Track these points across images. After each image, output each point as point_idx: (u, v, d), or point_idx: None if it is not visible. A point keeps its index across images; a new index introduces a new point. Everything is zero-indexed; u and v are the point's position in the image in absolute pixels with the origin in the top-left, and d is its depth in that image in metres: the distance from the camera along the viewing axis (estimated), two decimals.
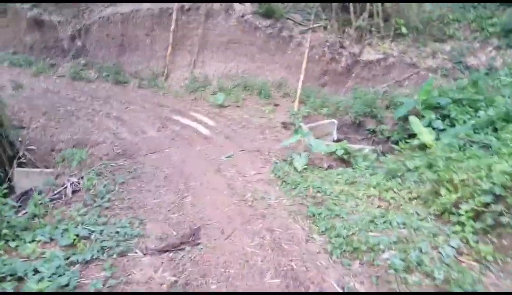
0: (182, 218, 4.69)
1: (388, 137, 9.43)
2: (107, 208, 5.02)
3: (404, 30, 12.09)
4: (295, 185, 5.59)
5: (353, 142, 9.78)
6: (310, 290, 3.16)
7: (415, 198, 4.71)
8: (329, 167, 7.11)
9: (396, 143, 9.24)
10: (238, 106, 11.39)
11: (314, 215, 4.51)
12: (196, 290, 3.19)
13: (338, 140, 9.44)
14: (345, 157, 7.29)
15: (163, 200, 5.31)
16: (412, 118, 7.80)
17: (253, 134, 8.80)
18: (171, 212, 4.90)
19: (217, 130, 9.16)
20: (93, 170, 6.48)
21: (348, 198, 4.92)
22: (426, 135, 6.76)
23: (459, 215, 3.82)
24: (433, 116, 8.74)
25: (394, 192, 4.91)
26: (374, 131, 9.71)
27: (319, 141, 6.88)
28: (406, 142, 6.36)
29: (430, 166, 5.23)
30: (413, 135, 9.03)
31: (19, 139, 8.85)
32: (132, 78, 14.19)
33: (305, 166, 6.30)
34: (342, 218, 4.32)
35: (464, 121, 8.61)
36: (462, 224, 3.77)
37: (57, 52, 16.06)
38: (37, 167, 8.38)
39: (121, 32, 14.85)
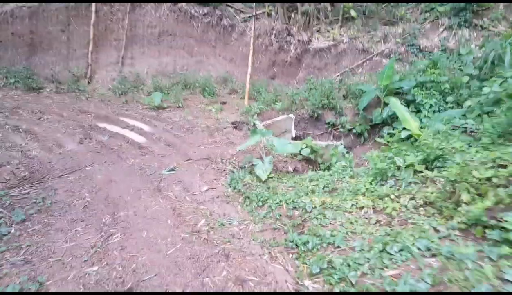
0: (106, 273, 3.18)
1: (350, 130, 8.49)
2: None
3: (353, 13, 11.30)
4: (262, 201, 4.29)
5: (312, 139, 8.77)
6: None
7: (422, 206, 3.62)
8: (295, 170, 5.94)
9: (359, 135, 8.36)
10: (179, 107, 9.86)
11: (297, 246, 3.24)
12: None
13: (296, 138, 8.34)
14: (312, 156, 6.17)
15: (79, 243, 3.73)
16: (394, 102, 6.85)
17: (201, 139, 7.36)
18: (88, 264, 3.35)
19: (154, 136, 7.59)
20: None
21: (335, 213, 3.72)
22: (411, 123, 5.80)
23: (505, 230, 2.76)
24: (396, 103, 7.91)
25: (392, 200, 3.79)
26: (333, 125, 8.73)
27: (283, 141, 5.66)
28: (390, 134, 5.31)
29: (427, 161, 4.20)
30: (376, 125, 8.22)
31: None
32: (48, 83, 12.02)
33: (270, 174, 5.03)
34: (339, 247, 3.10)
35: (431, 106, 7.90)
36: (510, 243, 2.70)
37: None
38: None
39: (29, 29, 12.54)
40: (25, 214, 4.39)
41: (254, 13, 11.25)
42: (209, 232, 3.73)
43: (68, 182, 5.57)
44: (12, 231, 4.01)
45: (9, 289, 2.95)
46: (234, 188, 4.83)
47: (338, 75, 10.37)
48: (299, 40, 10.92)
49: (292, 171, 5.86)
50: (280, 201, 4.14)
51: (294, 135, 8.15)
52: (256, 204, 4.27)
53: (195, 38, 11.76)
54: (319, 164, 6.23)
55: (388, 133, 5.06)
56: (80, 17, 12.05)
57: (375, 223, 3.49)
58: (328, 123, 8.63)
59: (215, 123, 8.44)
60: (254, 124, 7.49)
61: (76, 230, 4.02)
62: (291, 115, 8.18)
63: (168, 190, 4.97)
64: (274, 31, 11.02)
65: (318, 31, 11.26)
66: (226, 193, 4.77)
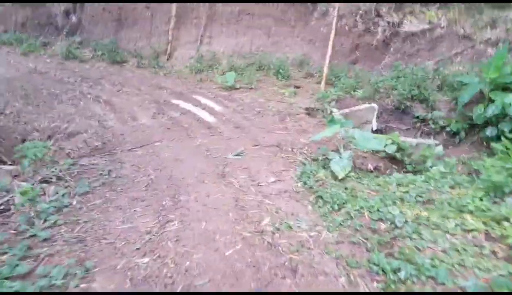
0: (156, 268, 2.75)
1: (443, 128, 7.29)
2: (45, 239, 3.13)
3: None
4: (338, 204, 3.58)
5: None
6: None
7: None
8: (376, 169, 5.10)
9: (454, 135, 7.15)
10: (251, 88, 9.35)
11: (384, 272, 2.51)
12: None
13: (377, 131, 7.37)
14: (397, 155, 5.26)
15: (135, 226, 3.38)
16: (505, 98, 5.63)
17: (271, 123, 6.77)
18: (140, 253, 2.96)
19: (224, 117, 7.17)
20: (53, 170, 4.60)
21: (433, 234, 2.90)
22: None
23: None
24: (506, 100, 6.54)
25: None
26: (423, 120, 7.56)
27: (366, 134, 4.84)
28: (507, 137, 4.21)
29: None
30: (476, 125, 6.94)
31: None
32: (131, 57, 12.27)
33: (349, 172, 4.28)
34: (443, 284, 2.32)
35: None
36: None
37: (51, 29, 14.24)
38: (3, 162, 6.58)
39: (118, 5, 12.88)
40: (89, 186, 4.20)
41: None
42: (274, 234, 3.14)
43: (136, 156, 5.35)
44: (74, 202, 3.81)
45: (54, 273, 2.65)
46: (305, 184, 4.18)
47: (432, 64, 9.04)
48: (388, 22, 9.71)
49: (372, 169, 5.02)
50: (362, 208, 3.40)
51: (375, 128, 7.20)
52: (331, 206, 3.58)
53: (273, 18, 11.09)
54: (405, 165, 5.31)
55: (508, 138, 3.96)
56: None
57: (490, 255, 2.62)
58: (417, 117, 7.49)
59: (287, 108, 7.78)
60: (331, 112, 6.70)
61: (134, 210, 3.69)
62: (374, 105, 7.22)
63: (233, 177, 4.47)
64: (360, 11, 9.93)
65: (411, 12, 9.91)
66: (296, 188, 4.13)
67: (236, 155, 5.17)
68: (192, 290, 2.51)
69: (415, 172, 4.70)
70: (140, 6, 12.51)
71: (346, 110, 6.94)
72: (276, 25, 11.10)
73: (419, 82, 7.66)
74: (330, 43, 9.28)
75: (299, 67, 10.56)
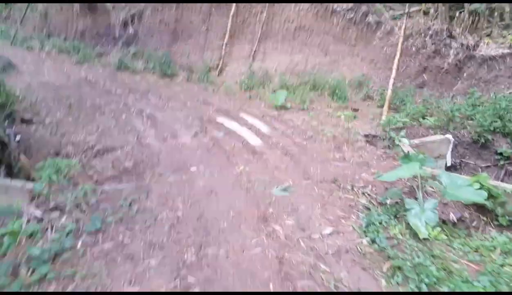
0: None
1: None
2: None
3: None
4: (426, 283, 2.45)
5: (474, 171, 6.33)
6: None
7: None
8: (460, 221, 3.86)
9: None
10: (303, 109, 8.36)
11: None
12: None
13: (451, 167, 6.05)
14: (487, 203, 3.97)
15: (143, 290, 2.48)
16: None
17: (325, 151, 5.71)
18: None
19: (271, 141, 6.21)
20: (68, 196, 3.88)
21: None
22: None
23: None
24: None
25: None
26: (508, 157, 6.13)
27: (456, 178, 3.62)
28: None
29: None
30: None
31: (17, 138, 6.64)
32: (181, 71, 11.79)
33: (434, 229, 3.10)
34: None
35: None
36: None
37: (108, 39, 14.25)
38: (29, 179, 6.09)
39: (175, 18, 12.56)
40: (102, 222, 3.39)
41: (406, 10, 9.05)
42: None
43: (167, 184, 4.53)
44: (78, 245, 3.00)
45: None
46: (373, 241, 3.07)
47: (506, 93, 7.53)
48: (462, 44, 8.32)
49: (456, 221, 3.79)
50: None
51: (449, 164, 5.89)
52: (416, 286, 2.45)
53: (332, 36, 10.08)
54: (497, 216, 4.02)
55: None
56: (221, 8, 11.46)
57: None
58: (500, 154, 6.08)
59: (344, 134, 6.67)
60: (399, 142, 5.50)
61: (148, 263, 2.81)
62: (449, 136, 5.90)
63: (277, 222, 3.46)
64: (430, 32, 8.64)
65: (488, 35, 8.49)
66: (361, 246, 3.04)
67: (282, 191, 4.17)
68: None
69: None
70: (197, 19, 12.07)
71: (416, 141, 5.70)
72: (334, 43, 10.08)
73: (502, 113, 6.24)
74: (395, 63, 8.09)
75: (357, 89, 9.41)
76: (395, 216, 3.52)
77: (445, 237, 3.10)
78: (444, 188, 3.30)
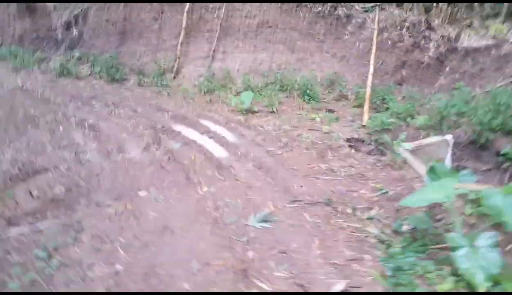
0: None
1: None
2: None
3: None
4: None
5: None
6: None
7: None
8: None
9: None
10: (272, 112, 7.32)
11: None
12: None
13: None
14: None
15: None
16: None
17: (307, 162, 4.66)
18: None
19: (240, 151, 5.08)
20: None
21: None
22: None
23: None
24: None
25: None
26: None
27: None
28: None
29: None
30: None
31: None
32: (132, 74, 10.37)
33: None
34: None
35: None
36: None
37: (50, 43, 12.52)
38: None
39: (123, 16, 11.09)
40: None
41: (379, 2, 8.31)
42: None
43: (105, 217, 3.28)
44: None
45: None
46: None
47: (500, 86, 6.90)
48: (442, 36, 7.64)
49: None
50: None
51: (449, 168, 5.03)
52: None
53: (299, 31, 9.15)
54: None
55: None
56: (174, 4, 10.18)
57: None
58: (504, 155, 5.31)
59: (323, 139, 5.69)
60: (403, 148, 4.56)
61: None
62: (448, 137, 5.05)
63: (262, 276, 2.34)
64: (406, 23, 7.91)
65: (469, 26, 7.86)
66: None
67: (262, 221, 3.05)
68: None
69: None
70: (148, 17, 10.70)
71: (413, 144, 4.80)
72: (301, 39, 9.15)
73: (502, 108, 5.51)
74: (372, 58, 7.28)
75: (329, 88, 8.53)
76: (426, 253, 2.49)
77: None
78: (498, 212, 2.31)
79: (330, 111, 7.36)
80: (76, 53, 11.55)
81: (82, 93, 8.85)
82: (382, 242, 2.71)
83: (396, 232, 2.84)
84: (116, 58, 10.52)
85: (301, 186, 3.81)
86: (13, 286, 2.28)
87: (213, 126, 6.17)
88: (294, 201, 3.42)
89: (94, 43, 11.61)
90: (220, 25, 9.74)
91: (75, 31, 12.11)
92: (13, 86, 9.16)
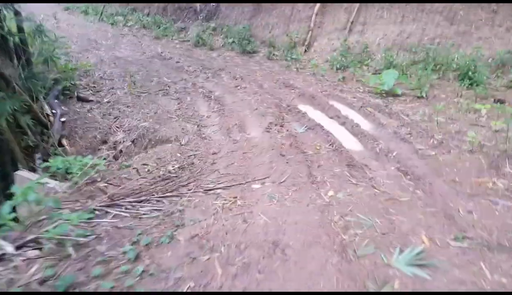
0: None
1: None
2: None
3: None
4: None
5: None
6: None
7: None
8: None
9: None
10: (420, 96, 5.92)
11: None
12: None
13: None
14: None
15: None
16: None
17: (472, 173, 3.37)
18: None
19: (378, 146, 4.03)
20: (55, 226, 2.34)
21: None
22: None
23: None
24: None
25: None
26: None
27: None
28: None
29: None
30: None
31: (62, 119, 5.49)
32: (263, 47, 9.97)
33: None
34: None
35: None
36: None
37: (190, 14, 13.02)
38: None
39: None
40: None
41: None
42: None
43: (211, 212, 2.79)
44: None
45: None
46: None
47: None
48: None
49: None
50: None
51: None
52: None
53: None
54: None
55: None
56: None
57: None
58: None
59: (492, 139, 4.18)
60: None
61: None
62: None
63: None
64: None
65: None
66: None
67: (412, 265, 2.08)
68: None
69: None
70: None
71: None
72: (465, 8, 7.21)
73: None
74: None
75: (499, 71, 6.56)
76: None
77: None
78: None
79: (500, 101, 5.57)
80: (212, 24, 11.71)
81: (213, 63, 8.81)
82: None
83: None
84: (248, 30, 10.23)
85: (470, 212, 2.64)
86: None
87: (345, 110, 5.20)
88: (463, 238, 2.32)
89: (229, 14, 11.56)
90: None
91: (212, 3, 12.24)
92: (153, 54, 9.71)
